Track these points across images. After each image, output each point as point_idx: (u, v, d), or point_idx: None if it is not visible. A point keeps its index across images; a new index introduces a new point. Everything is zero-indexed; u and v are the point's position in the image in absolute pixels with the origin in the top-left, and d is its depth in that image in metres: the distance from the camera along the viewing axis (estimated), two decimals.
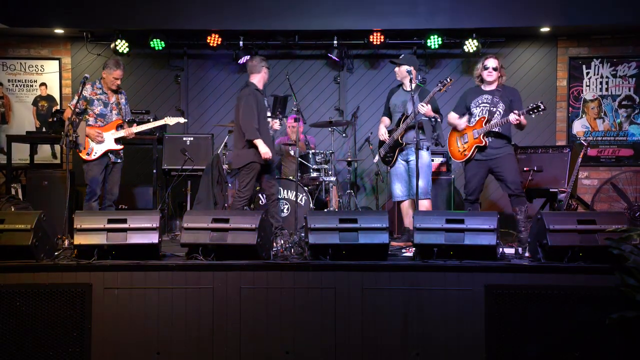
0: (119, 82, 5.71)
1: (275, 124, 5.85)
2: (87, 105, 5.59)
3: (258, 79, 5.70)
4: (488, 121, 5.20)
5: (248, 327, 4.03)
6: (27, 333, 3.97)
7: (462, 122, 5.37)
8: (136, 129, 5.78)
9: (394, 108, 5.72)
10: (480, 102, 5.33)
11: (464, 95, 5.51)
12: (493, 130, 5.19)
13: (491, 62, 5.26)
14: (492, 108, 5.25)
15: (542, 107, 4.97)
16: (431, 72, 7.66)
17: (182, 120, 6.11)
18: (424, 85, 5.99)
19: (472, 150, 5.27)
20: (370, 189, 7.79)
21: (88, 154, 5.56)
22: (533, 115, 5.09)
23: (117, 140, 5.69)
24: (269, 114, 5.75)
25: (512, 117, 5.05)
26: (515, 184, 5.21)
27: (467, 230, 4.12)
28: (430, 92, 5.33)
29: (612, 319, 3.75)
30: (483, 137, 5.20)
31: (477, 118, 5.30)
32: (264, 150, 5.45)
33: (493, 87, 5.30)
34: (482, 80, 5.32)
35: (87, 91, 5.57)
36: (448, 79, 5.21)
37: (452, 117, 5.50)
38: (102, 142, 5.60)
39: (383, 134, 5.74)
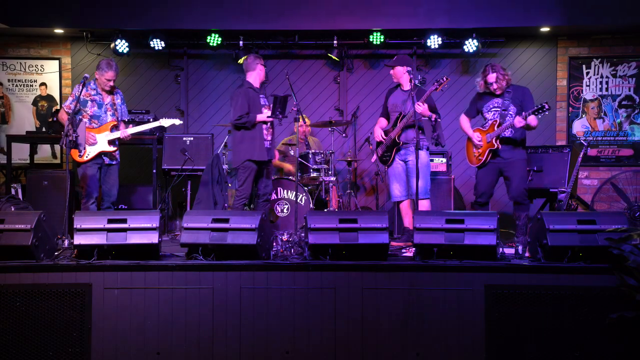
0: (111, 83, 5.64)
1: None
2: (80, 106, 5.55)
3: (253, 77, 5.77)
4: (500, 125, 5.23)
5: (248, 327, 4.03)
6: (27, 333, 3.97)
7: (474, 137, 5.41)
8: (131, 130, 5.73)
9: (393, 108, 5.73)
10: (491, 106, 5.39)
11: (475, 97, 5.56)
12: (504, 134, 5.22)
13: (491, 78, 5.28)
14: (503, 111, 5.28)
15: (546, 107, 5.02)
16: (431, 72, 7.66)
17: (177, 121, 6.04)
18: (424, 84, 5.99)
19: (486, 155, 5.31)
20: (370, 189, 7.79)
21: (80, 155, 5.53)
22: (539, 116, 5.12)
23: (111, 142, 5.65)
24: (267, 112, 5.73)
25: (517, 121, 5.09)
26: (519, 191, 5.27)
27: (467, 230, 4.12)
28: (427, 91, 5.34)
29: (612, 319, 3.75)
30: (495, 141, 5.24)
31: (490, 122, 5.33)
32: (263, 118, 5.60)
33: (502, 89, 5.33)
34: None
35: (81, 92, 5.52)
36: (444, 78, 5.23)
37: (464, 121, 5.57)
38: (95, 144, 5.57)
39: (379, 134, 5.75)
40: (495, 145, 5.26)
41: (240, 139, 5.68)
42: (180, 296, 4.06)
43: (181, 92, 7.82)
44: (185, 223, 4.26)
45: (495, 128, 5.26)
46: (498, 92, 5.33)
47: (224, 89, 7.83)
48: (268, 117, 5.63)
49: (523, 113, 5.11)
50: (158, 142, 6.85)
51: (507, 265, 4.10)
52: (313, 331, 4.03)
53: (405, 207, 5.68)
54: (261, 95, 5.80)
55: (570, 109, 7.57)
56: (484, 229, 4.11)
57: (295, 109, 5.59)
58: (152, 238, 4.18)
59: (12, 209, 5.44)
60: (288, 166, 6.90)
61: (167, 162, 6.75)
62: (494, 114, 5.36)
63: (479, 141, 5.37)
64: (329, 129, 6.84)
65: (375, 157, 5.94)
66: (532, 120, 5.14)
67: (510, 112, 5.27)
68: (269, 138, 5.77)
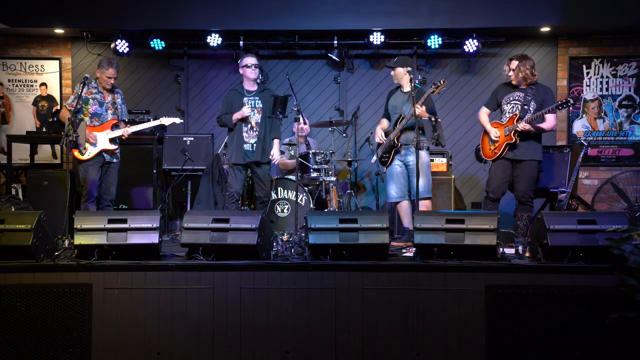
0: (112, 81, 5.69)
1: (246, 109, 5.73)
2: (82, 104, 5.58)
3: (243, 79, 5.89)
4: (520, 119, 5.21)
5: (248, 327, 4.03)
6: (27, 333, 3.96)
7: (492, 132, 5.38)
8: (132, 128, 5.78)
9: (393, 110, 5.73)
10: (511, 99, 5.37)
11: (496, 90, 5.55)
12: (524, 129, 5.18)
13: (513, 64, 5.30)
14: (524, 106, 5.26)
15: (571, 101, 5.05)
16: (432, 72, 7.66)
17: (177, 120, 6.08)
18: (424, 85, 5.99)
19: (502, 148, 5.29)
20: (370, 189, 7.79)
21: (82, 154, 5.56)
22: (563, 110, 5.12)
23: (112, 140, 5.68)
24: (253, 114, 5.74)
25: (520, 126, 5.11)
26: (524, 192, 5.26)
27: (467, 230, 4.11)
28: (425, 94, 5.34)
29: (612, 319, 3.75)
30: (514, 135, 5.22)
31: (509, 115, 5.32)
32: (235, 116, 5.67)
33: (525, 84, 5.32)
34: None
35: (83, 90, 5.54)
36: (441, 81, 5.22)
37: (483, 115, 5.54)
38: (96, 144, 5.60)
39: (379, 136, 5.74)
40: (514, 139, 5.22)
41: (228, 141, 5.87)
42: (180, 296, 4.06)
43: (181, 92, 7.83)
44: (185, 223, 4.26)
45: (515, 122, 5.21)
46: (514, 83, 5.32)
47: (224, 89, 7.82)
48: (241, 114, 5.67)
49: (526, 117, 5.13)
50: (158, 142, 6.86)
51: (507, 265, 4.09)
52: (313, 331, 4.03)
53: (405, 208, 5.68)
54: (249, 97, 5.78)
55: (571, 109, 7.56)
56: (484, 228, 4.11)
57: (296, 109, 5.59)
58: (153, 238, 4.18)
59: (12, 209, 5.45)
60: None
61: (168, 162, 6.75)
62: (513, 107, 5.33)
63: (496, 136, 5.35)
64: (329, 129, 6.84)
65: (375, 158, 5.94)
66: (551, 119, 5.16)
67: (530, 108, 5.25)
68: (251, 140, 5.73)
